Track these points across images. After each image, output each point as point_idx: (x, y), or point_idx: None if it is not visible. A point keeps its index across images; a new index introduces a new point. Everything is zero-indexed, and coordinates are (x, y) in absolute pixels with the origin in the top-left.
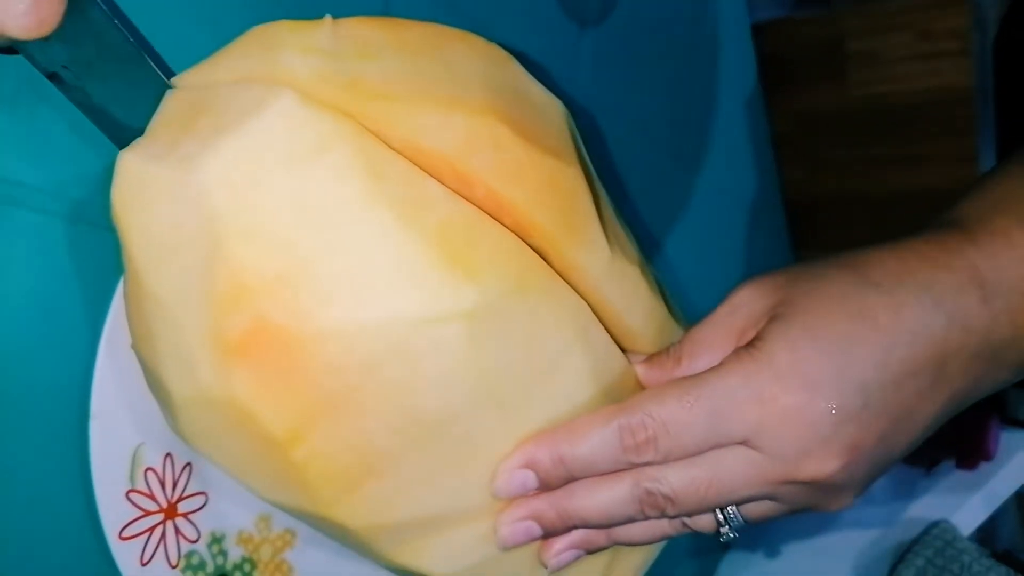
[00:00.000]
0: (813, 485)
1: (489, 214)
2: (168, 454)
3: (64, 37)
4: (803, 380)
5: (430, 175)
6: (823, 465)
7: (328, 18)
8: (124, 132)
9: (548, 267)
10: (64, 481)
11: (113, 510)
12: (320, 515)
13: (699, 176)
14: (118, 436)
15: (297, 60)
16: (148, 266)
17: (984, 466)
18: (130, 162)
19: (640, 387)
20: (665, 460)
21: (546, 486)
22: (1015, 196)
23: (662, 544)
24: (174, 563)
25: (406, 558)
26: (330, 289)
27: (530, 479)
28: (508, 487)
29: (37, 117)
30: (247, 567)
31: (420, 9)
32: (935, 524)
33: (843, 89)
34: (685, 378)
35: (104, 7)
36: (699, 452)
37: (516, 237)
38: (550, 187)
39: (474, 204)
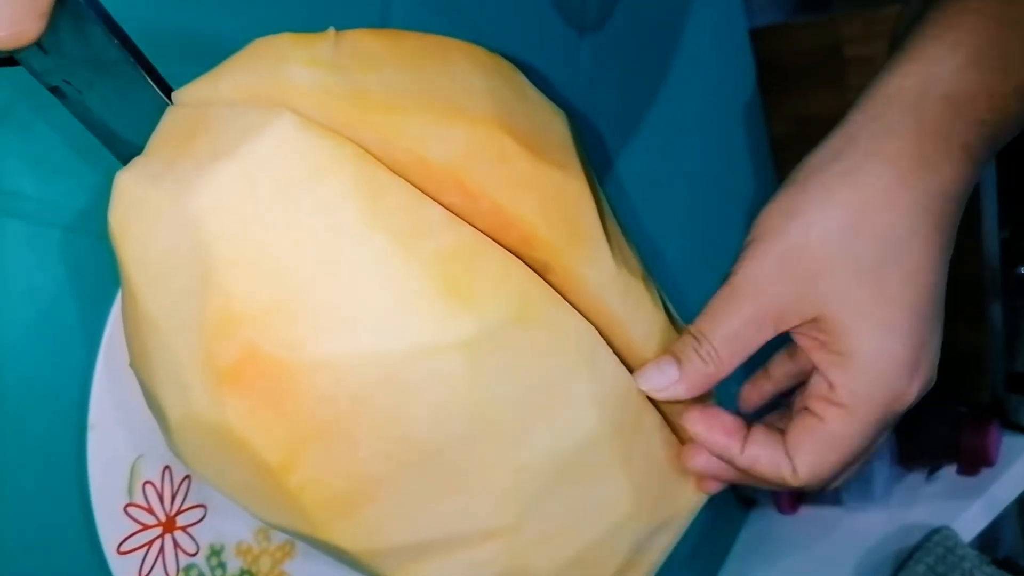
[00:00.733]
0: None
1: (494, 227)
2: (166, 467)
3: (63, 52)
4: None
5: (435, 189)
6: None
7: (331, 30)
8: (126, 147)
9: (553, 293)
10: (62, 495)
11: (111, 524)
12: (316, 537)
13: (698, 181)
14: (116, 449)
15: (301, 72)
16: (143, 288)
17: (985, 472)
18: (127, 183)
19: (647, 406)
20: None
21: None
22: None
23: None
24: None
25: None
26: (322, 319)
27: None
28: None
29: (34, 128)
30: None
31: (420, 17)
32: (936, 530)
33: (841, 94)
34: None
35: (102, 24)
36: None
37: (520, 263)
38: (555, 200)
39: (479, 217)
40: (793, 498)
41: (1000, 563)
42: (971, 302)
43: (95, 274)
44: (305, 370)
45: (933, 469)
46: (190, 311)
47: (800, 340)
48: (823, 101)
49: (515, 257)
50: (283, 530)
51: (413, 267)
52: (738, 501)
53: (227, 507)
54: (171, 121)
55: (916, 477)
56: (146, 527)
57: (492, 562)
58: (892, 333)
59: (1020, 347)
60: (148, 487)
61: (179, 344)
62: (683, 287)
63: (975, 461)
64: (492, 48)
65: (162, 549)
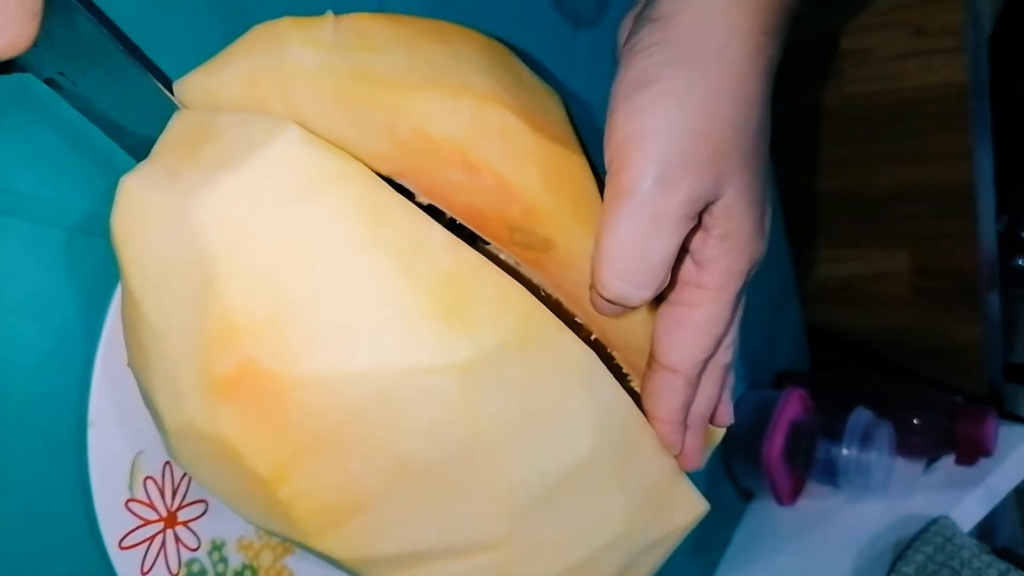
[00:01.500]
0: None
1: (497, 203)
2: (167, 462)
3: (54, 46)
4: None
5: (439, 165)
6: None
7: (330, 14)
8: (128, 137)
9: (552, 316)
10: (64, 491)
11: (113, 520)
12: (308, 546)
13: None
14: (117, 445)
15: (303, 54)
16: (143, 293)
17: (983, 462)
18: (131, 188)
19: (645, 426)
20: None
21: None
22: None
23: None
24: (175, 572)
25: None
26: (318, 335)
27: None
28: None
29: (33, 124)
30: (248, 574)
31: (416, 10)
32: (935, 520)
33: (838, 87)
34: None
35: (90, 16)
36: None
37: (519, 286)
38: (557, 173)
39: (483, 193)
40: (792, 490)
41: (999, 552)
42: (968, 295)
43: (95, 271)
44: (300, 385)
45: (931, 459)
46: (189, 320)
47: None
48: (819, 92)
49: (514, 280)
50: (274, 535)
51: (412, 287)
52: (736, 493)
53: None
54: (178, 126)
55: (914, 467)
56: (147, 522)
57: (482, 573)
58: (752, 201)
59: (1017, 337)
60: (149, 482)
61: (176, 352)
62: None
63: (973, 451)
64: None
65: (164, 544)
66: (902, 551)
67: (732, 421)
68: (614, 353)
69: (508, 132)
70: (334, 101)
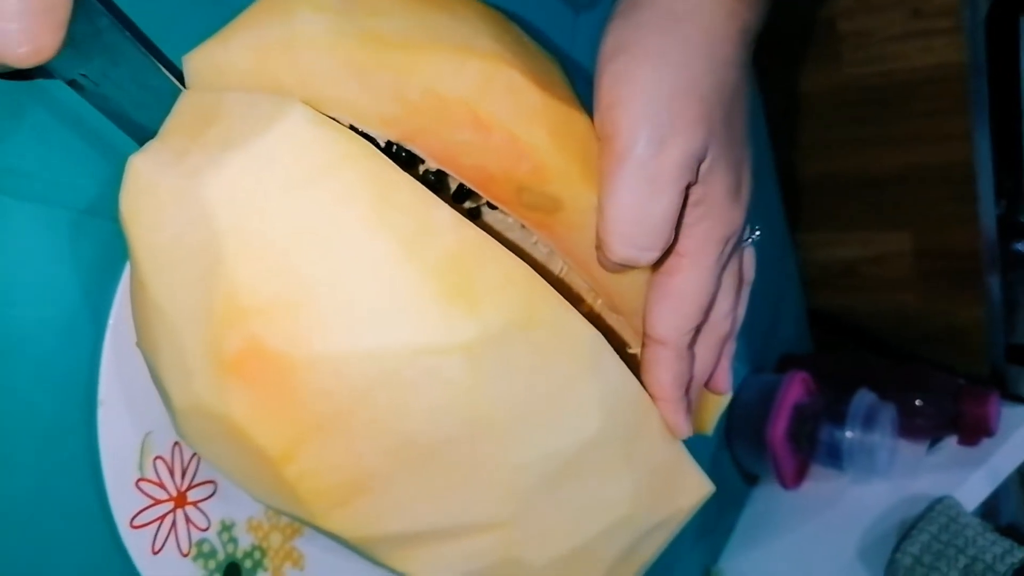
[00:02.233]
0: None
1: (507, 162)
2: (177, 442)
3: (77, 48)
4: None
5: (449, 124)
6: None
7: None
8: (145, 133)
9: (558, 296)
10: (74, 471)
11: (124, 499)
12: (314, 524)
13: None
14: (126, 424)
15: (311, 18)
16: (151, 273)
17: (986, 442)
18: (139, 168)
19: (651, 407)
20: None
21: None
22: None
23: (680, 526)
24: (185, 551)
25: (396, 563)
26: (325, 315)
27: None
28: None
29: (39, 105)
30: (257, 554)
31: None
32: (939, 500)
33: (836, 69)
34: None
35: (113, 19)
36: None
37: (525, 266)
38: (565, 131)
39: (492, 153)
40: (796, 473)
41: (1002, 531)
42: (969, 276)
43: (102, 251)
44: (307, 365)
45: (934, 440)
46: (197, 300)
47: None
48: (818, 75)
49: (520, 260)
50: (281, 513)
51: (418, 268)
52: (741, 477)
53: None
54: (185, 106)
55: (918, 449)
56: (158, 502)
57: (486, 552)
58: (729, 166)
59: (1019, 319)
60: (159, 462)
61: (184, 332)
62: None
63: (976, 432)
64: None
65: (174, 524)
66: (907, 531)
67: (729, 390)
68: (622, 319)
69: (515, 90)
70: (343, 65)
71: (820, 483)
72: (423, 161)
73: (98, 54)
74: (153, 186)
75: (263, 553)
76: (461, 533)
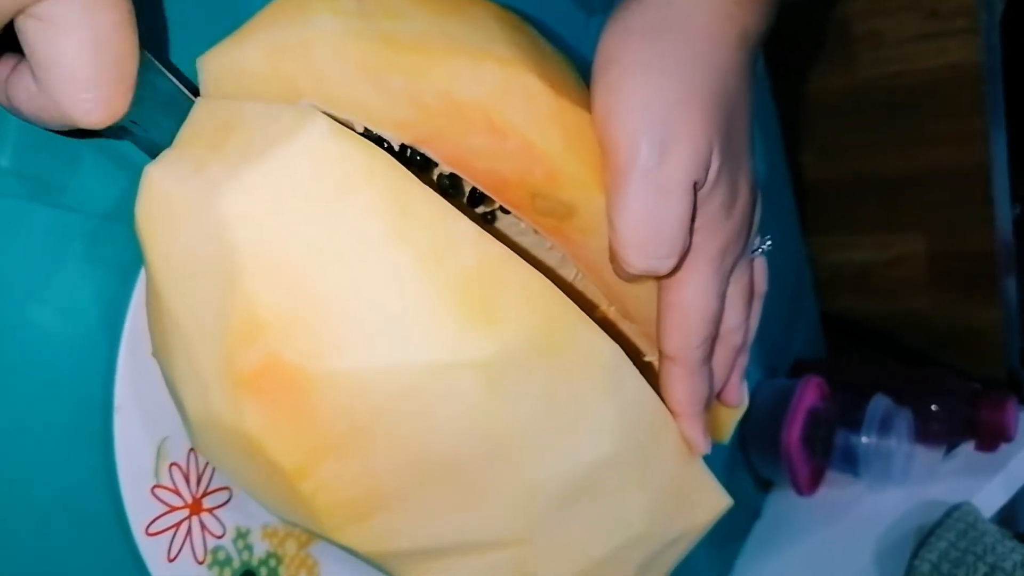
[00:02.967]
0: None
1: (521, 168)
2: (192, 449)
3: (135, 102)
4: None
5: (464, 129)
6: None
7: None
8: None
9: (579, 312)
10: (90, 477)
11: (139, 506)
12: (329, 538)
13: None
14: (142, 430)
15: (327, 20)
16: (167, 285)
17: (1004, 448)
18: (156, 178)
19: (669, 423)
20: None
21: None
22: None
23: (696, 540)
24: (200, 559)
25: None
26: (344, 331)
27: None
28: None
29: None
30: (272, 562)
31: None
32: (957, 507)
33: (850, 71)
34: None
35: (170, 76)
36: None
37: (546, 280)
38: (580, 137)
39: (506, 159)
40: (812, 479)
41: (1021, 537)
42: (985, 279)
43: (118, 257)
44: (324, 381)
45: (951, 446)
46: (213, 314)
47: None
48: (832, 77)
49: (540, 274)
50: (296, 527)
51: (437, 284)
52: (755, 484)
53: None
54: (202, 114)
55: (934, 454)
56: (173, 508)
57: (501, 569)
58: (723, 178)
59: None
60: (174, 469)
61: (200, 345)
62: None
63: (993, 437)
64: None
65: (189, 531)
66: (924, 538)
67: (741, 403)
68: (636, 327)
69: (530, 95)
70: (358, 67)
71: (836, 489)
72: (437, 164)
73: (153, 106)
74: (169, 197)
75: (278, 560)
76: (476, 550)
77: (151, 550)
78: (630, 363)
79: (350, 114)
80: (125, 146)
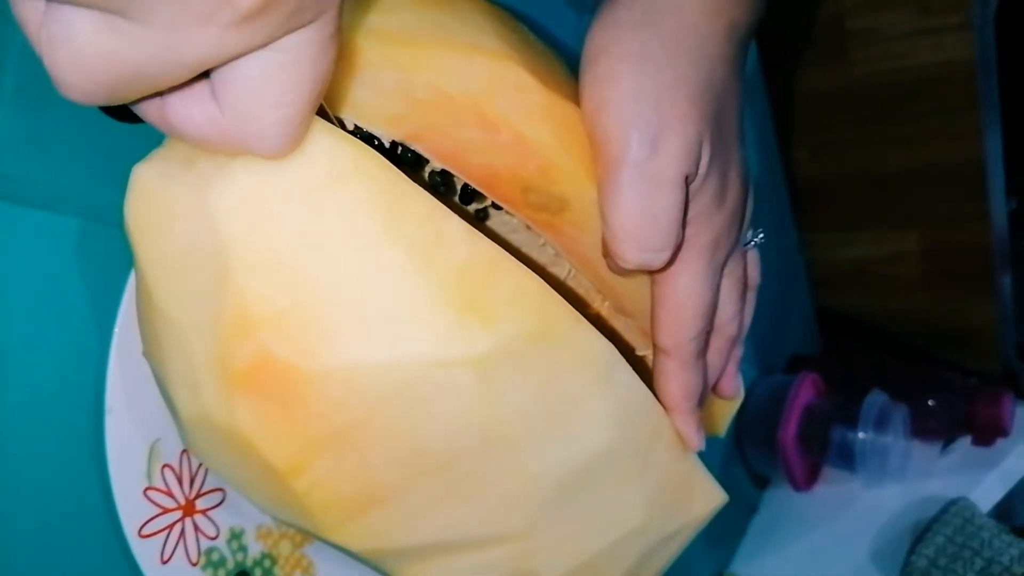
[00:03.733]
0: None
1: (514, 161)
2: (184, 450)
3: None
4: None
5: (455, 122)
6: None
7: None
8: None
9: (570, 309)
10: (82, 479)
11: (132, 508)
12: (324, 537)
13: None
14: (134, 432)
15: None
16: (158, 283)
17: (1000, 443)
18: (145, 177)
19: (664, 418)
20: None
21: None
22: None
23: (693, 535)
24: (194, 560)
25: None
26: (337, 327)
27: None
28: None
29: (44, 115)
30: (267, 563)
31: None
32: (954, 502)
33: (844, 68)
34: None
35: None
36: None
37: (537, 279)
38: (571, 130)
39: (499, 151)
40: (808, 475)
41: (1018, 532)
42: (980, 274)
43: (108, 258)
44: (318, 377)
45: (948, 441)
46: (205, 311)
47: None
48: (825, 74)
49: (532, 273)
50: (290, 526)
51: (430, 280)
52: (751, 481)
53: None
54: None
55: (931, 450)
56: (166, 510)
57: (499, 565)
58: (715, 170)
59: None
60: (167, 470)
61: (192, 343)
62: None
63: (990, 432)
64: None
65: (183, 532)
66: (921, 533)
67: (736, 394)
68: (630, 322)
69: (522, 89)
70: (349, 62)
71: (832, 485)
72: (428, 162)
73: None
74: (159, 195)
75: (273, 561)
76: (474, 546)
77: (144, 552)
78: (623, 360)
79: (341, 109)
80: (114, 146)
